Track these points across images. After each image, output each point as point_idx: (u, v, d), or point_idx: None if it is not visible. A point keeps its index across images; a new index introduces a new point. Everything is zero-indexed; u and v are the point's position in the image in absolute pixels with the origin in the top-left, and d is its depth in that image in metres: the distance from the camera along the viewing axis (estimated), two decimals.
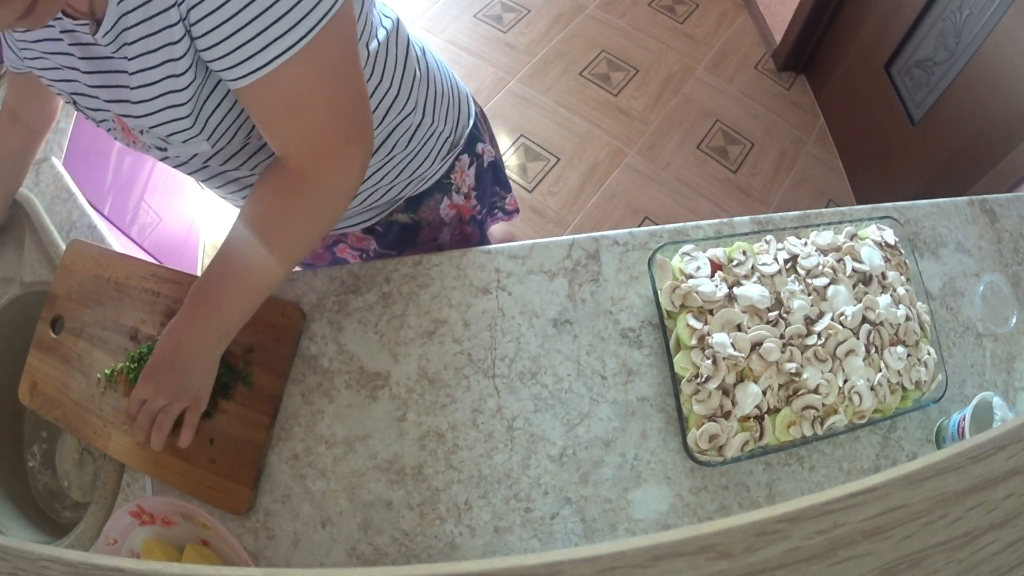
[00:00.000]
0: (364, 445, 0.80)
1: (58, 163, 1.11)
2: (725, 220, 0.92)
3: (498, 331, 0.85)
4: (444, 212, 1.01)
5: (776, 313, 0.81)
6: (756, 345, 0.78)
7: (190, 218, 2.00)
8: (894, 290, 0.85)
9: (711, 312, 0.81)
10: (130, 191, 1.63)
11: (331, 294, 0.88)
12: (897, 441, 0.82)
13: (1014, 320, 0.88)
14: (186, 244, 1.96)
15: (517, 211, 1.23)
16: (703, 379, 0.77)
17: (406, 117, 0.85)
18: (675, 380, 0.79)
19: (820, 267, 0.85)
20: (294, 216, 0.66)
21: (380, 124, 0.82)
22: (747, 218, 0.92)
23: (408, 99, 0.84)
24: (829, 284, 0.84)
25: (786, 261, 0.85)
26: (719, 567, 0.26)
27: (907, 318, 0.84)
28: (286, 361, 0.84)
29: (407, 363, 0.84)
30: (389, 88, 0.80)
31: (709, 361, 0.77)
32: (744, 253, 0.85)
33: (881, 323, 0.83)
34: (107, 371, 0.86)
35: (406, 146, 0.88)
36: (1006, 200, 0.95)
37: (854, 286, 0.85)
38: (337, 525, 0.78)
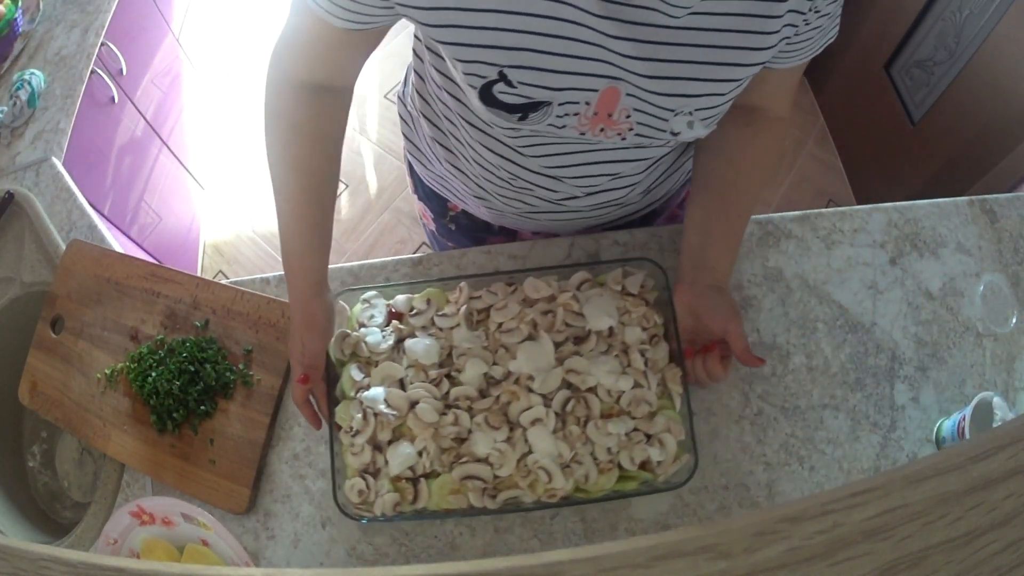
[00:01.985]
0: None
1: (58, 163, 1.12)
2: None
3: None
4: (681, 197, 1.01)
5: (443, 371, 0.74)
6: (415, 403, 0.73)
7: (190, 218, 2.01)
8: (623, 351, 0.75)
9: (376, 365, 0.76)
10: (130, 191, 1.63)
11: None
12: (897, 441, 0.82)
13: (1014, 320, 0.88)
14: (186, 244, 1.96)
15: None
16: (354, 432, 0.73)
17: None
18: (331, 430, 0.75)
19: (516, 321, 0.75)
20: (775, 159, 0.78)
21: None
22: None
23: None
24: (523, 341, 0.74)
25: (478, 312, 0.77)
26: (719, 567, 0.26)
27: (636, 385, 0.73)
28: (286, 361, 0.84)
29: None
30: None
31: (360, 415, 0.73)
32: (428, 302, 0.78)
33: (591, 389, 0.73)
34: (107, 371, 0.86)
35: None
36: (1006, 200, 0.95)
37: (561, 344, 0.75)
38: (337, 525, 0.78)
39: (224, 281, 0.91)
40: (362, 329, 0.77)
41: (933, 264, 0.91)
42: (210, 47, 2.31)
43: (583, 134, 0.63)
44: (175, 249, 1.87)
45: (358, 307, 0.80)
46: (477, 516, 0.76)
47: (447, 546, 0.77)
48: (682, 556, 0.26)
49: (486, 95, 0.58)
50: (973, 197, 0.95)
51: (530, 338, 0.75)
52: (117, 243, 0.99)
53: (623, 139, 0.64)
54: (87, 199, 1.06)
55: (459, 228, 1.01)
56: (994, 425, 0.76)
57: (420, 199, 1.01)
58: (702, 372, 0.74)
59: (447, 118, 0.75)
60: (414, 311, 0.78)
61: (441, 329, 0.76)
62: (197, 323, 0.87)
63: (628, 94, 0.59)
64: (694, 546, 0.26)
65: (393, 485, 0.72)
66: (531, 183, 0.75)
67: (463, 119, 0.71)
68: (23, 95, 1.22)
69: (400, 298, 0.79)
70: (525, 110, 0.59)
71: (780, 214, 0.93)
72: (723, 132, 0.72)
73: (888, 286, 0.89)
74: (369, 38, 0.64)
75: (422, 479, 0.72)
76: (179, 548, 0.76)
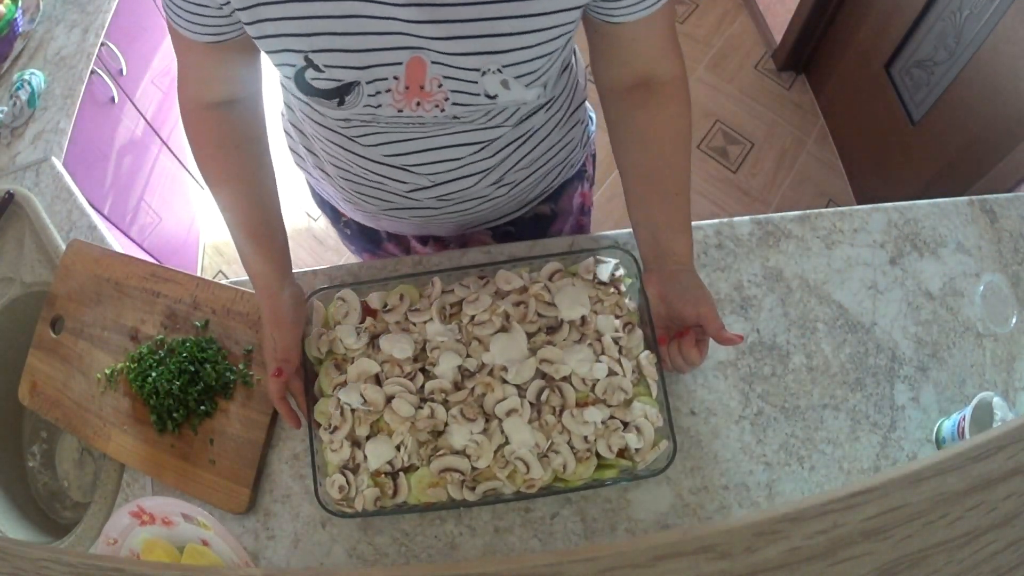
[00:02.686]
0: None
1: (58, 163, 1.12)
2: (725, 220, 0.92)
3: None
4: (575, 202, 1.00)
5: (418, 365, 0.75)
6: (392, 399, 0.73)
7: (190, 218, 2.01)
8: (597, 339, 0.75)
9: (352, 361, 0.76)
10: (130, 191, 1.63)
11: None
12: (897, 441, 0.82)
13: (1014, 320, 0.88)
14: (186, 244, 1.96)
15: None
16: (332, 429, 0.74)
17: (582, 93, 0.88)
18: (311, 428, 0.76)
19: (488, 313, 0.75)
20: (687, 121, 0.75)
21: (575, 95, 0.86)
22: (747, 218, 0.92)
23: (581, 77, 0.87)
24: (496, 333, 0.75)
25: (451, 306, 0.78)
26: (719, 567, 0.26)
27: (611, 372, 0.73)
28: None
29: None
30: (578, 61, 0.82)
31: (338, 412, 0.74)
32: (401, 298, 0.78)
33: (566, 379, 0.74)
34: (107, 371, 0.86)
35: (571, 128, 0.88)
36: (1006, 200, 0.95)
37: (533, 335, 0.76)
38: (337, 525, 0.78)
39: (224, 281, 0.91)
40: (337, 327, 0.78)
41: (933, 264, 0.91)
42: None
43: (401, 111, 0.64)
44: (175, 249, 1.87)
45: (333, 305, 0.80)
46: (458, 508, 0.76)
47: (447, 546, 0.77)
48: (682, 556, 0.26)
49: (301, 83, 0.61)
50: (973, 197, 0.95)
51: (503, 330, 0.75)
52: (117, 243, 0.99)
53: (442, 111, 0.64)
54: (87, 199, 1.06)
55: (353, 233, 1.03)
56: (994, 425, 0.76)
57: (317, 206, 1.04)
58: (678, 358, 0.74)
59: (305, 121, 0.78)
60: (387, 307, 0.79)
61: (414, 324, 0.77)
62: (197, 323, 0.87)
63: (433, 62, 0.60)
64: (694, 546, 0.26)
65: (373, 480, 0.73)
66: (379, 175, 0.77)
67: (310, 118, 0.74)
68: (23, 95, 1.22)
69: (374, 295, 0.80)
70: (339, 93, 0.61)
71: (780, 214, 0.93)
72: (626, 121, 0.75)
73: (888, 286, 0.89)
74: (245, 47, 0.66)
75: (401, 473, 0.72)
76: (179, 548, 0.76)
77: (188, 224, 1.99)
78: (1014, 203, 0.95)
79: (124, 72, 1.55)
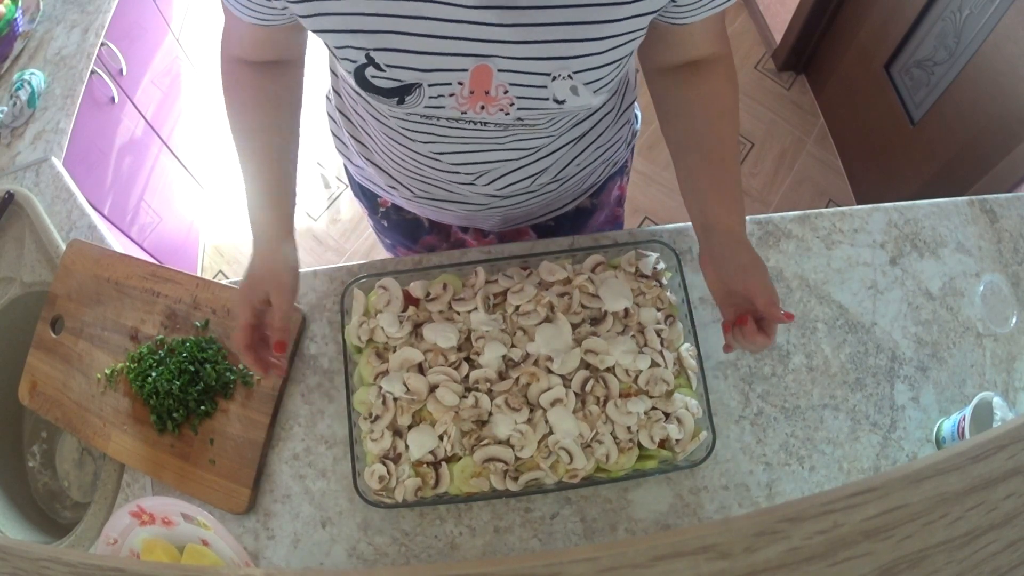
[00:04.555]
0: None
1: (58, 163, 1.11)
2: None
3: None
4: (613, 195, 1.00)
5: (462, 355, 0.75)
6: (435, 388, 0.73)
7: (190, 218, 2.00)
8: (640, 331, 0.76)
9: (395, 350, 0.76)
10: (130, 191, 1.63)
11: (331, 294, 0.88)
12: (897, 441, 0.82)
13: (1014, 320, 0.88)
14: (186, 244, 1.96)
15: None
16: (373, 418, 0.73)
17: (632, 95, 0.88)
18: (350, 417, 0.76)
19: (533, 304, 0.75)
20: (735, 94, 0.74)
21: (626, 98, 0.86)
22: (747, 218, 0.92)
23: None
24: (541, 323, 0.75)
25: (495, 296, 0.78)
26: (719, 567, 0.26)
27: (653, 364, 0.74)
28: (287, 361, 0.84)
29: None
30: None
31: (380, 401, 0.73)
32: (444, 287, 0.78)
33: (609, 370, 0.74)
34: (107, 371, 0.86)
35: (621, 127, 0.88)
36: (1006, 200, 0.95)
37: (578, 326, 0.76)
38: (337, 525, 0.78)
39: (224, 281, 0.91)
40: (379, 315, 0.78)
41: (933, 264, 0.91)
42: (210, 47, 2.31)
43: (464, 113, 0.63)
44: (175, 249, 1.87)
45: (374, 294, 0.80)
46: (498, 499, 0.76)
47: (447, 546, 0.77)
48: (682, 556, 0.26)
49: (361, 79, 0.59)
50: (973, 197, 0.95)
51: (547, 320, 0.76)
52: (117, 243, 0.99)
53: (507, 115, 0.63)
54: (87, 199, 1.06)
55: (391, 224, 1.03)
56: (994, 425, 0.76)
57: (355, 195, 1.03)
58: (744, 342, 0.69)
59: (355, 111, 0.77)
60: (430, 296, 0.78)
61: (458, 313, 0.77)
62: (197, 323, 0.87)
63: (500, 69, 0.59)
64: (694, 546, 0.26)
65: (414, 470, 0.73)
66: (433, 169, 0.76)
67: (366, 111, 0.73)
68: (23, 95, 1.22)
69: (416, 284, 0.80)
70: (400, 93, 0.60)
71: (780, 214, 0.93)
72: (673, 95, 0.74)
73: (888, 286, 0.89)
74: (294, 27, 0.65)
75: (443, 463, 0.72)
76: (179, 548, 0.76)
77: (188, 224, 1.99)
78: (1014, 203, 0.95)
79: (124, 72, 1.55)
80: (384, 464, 0.73)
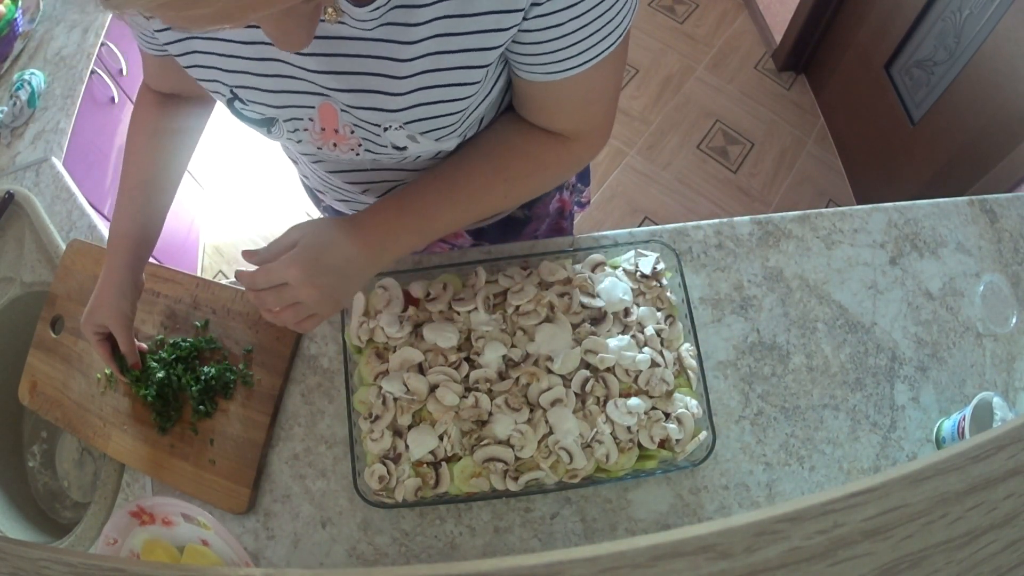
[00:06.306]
0: None
1: (58, 163, 1.11)
2: (725, 220, 0.92)
3: None
4: (552, 207, 1.00)
5: (462, 354, 0.75)
6: (435, 388, 0.73)
7: (190, 218, 2.00)
8: (640, 330, 0.76)
9: (395, 350, 0.76)
10: None
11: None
12: (897, 441, 0.82)
13: (1014, 320, 0.88)
14: (186, 244, 1.96)
15: (589, 202, 1.21)
16: (373, 418, 0.74)
17: None
18: (350, 417, 0.76)
19: (533, 304, 0.75)
20: (547, 173, 0.70)
21: None
22: (747, 218, 0.92)
23: None
24: (541, 323, 0.75)
25: (495, 296, 0.78)
26: (719, 567, 0.26)
27: (653, 364, 0.74)
28: (286, 361, 0.84)
29: None
30: None
31: (380, 401, 0.74)
32: (445, 287, 0.78)
33: (609, 369, 0.74)
34: (107, 371, 0.86)
35: None
36: (1006, 200, 0.95)
37: (578, 326, 0.76)
38: (337, 525, 0.78)
39: (224, 281, 0.91)
40: (379, 315, 0.78)
41: (933, 264, 0.91)
42: None
43: (320, 148, 0.65)
44: (175, 249, 1.87)
45: (373, 294, 0.80)
46: (498, 499, 0.76)
47: (447, 546, 0.77)
48: (682, 556, 0.26)
49: (232, 110, 0.64)
50: (973, 197, 0.95)
51: (547, 320, 0.76)
52: None
53: (357, 155, 0.65)
54: (87, 199, 1.06)
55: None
56: (994, 425, 0.76)
57: (314, 204, 1.06)
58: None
59: None
60: (430, 296, 0.79)
61: (459, 313, 0.77)
62: (197, 323, 0.87)
63: (342, 110, 0.60)
64: (694, 546, 0.26)
65: (414, 470, 0.73)
66: (335, 186, 0.78)
67: None
68: (23, 95, 1.22)
69: (416, 284, 0.80)
70: (266, 124, 0.64)
71: (780, 214, 0.93)
72: (516, 120, 0.68)
73: (888, 286, 0.89)
74: None
75: (443, 463, 0.73)
76: (179, 548, 0.76)
77: (188, 224, 1.99)
78: (1014, 203, 0.95)
79: (124, 72, 1.55)
80: (384, 464, 0.73)
